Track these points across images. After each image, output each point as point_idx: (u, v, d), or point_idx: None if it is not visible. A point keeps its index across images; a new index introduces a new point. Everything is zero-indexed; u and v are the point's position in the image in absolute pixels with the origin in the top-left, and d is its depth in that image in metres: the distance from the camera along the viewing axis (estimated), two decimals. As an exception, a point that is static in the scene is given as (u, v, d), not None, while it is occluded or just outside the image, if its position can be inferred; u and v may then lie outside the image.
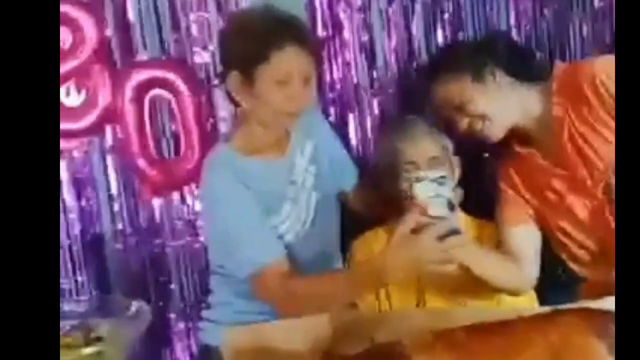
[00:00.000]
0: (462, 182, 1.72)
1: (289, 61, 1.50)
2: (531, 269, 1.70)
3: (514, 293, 1.69)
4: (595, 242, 1.69)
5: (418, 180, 1.41)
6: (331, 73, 2.10)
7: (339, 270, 1.55)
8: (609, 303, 1.31)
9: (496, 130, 1.69)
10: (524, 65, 1.69)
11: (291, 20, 1.54)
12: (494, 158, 1.83)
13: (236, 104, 1.63)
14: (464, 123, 1.69)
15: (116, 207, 2.11)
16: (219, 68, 1.65)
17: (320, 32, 2.07)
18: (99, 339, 1.28)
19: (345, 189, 1.81)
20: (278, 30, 1.50)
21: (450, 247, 1.37)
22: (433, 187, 1.39)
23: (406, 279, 1.60)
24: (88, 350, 1.19)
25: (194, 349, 2.11)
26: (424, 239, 1.35)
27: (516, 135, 1.73)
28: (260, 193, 1.57)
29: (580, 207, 1.68)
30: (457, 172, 1.76)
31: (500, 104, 1.67)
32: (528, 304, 1.71)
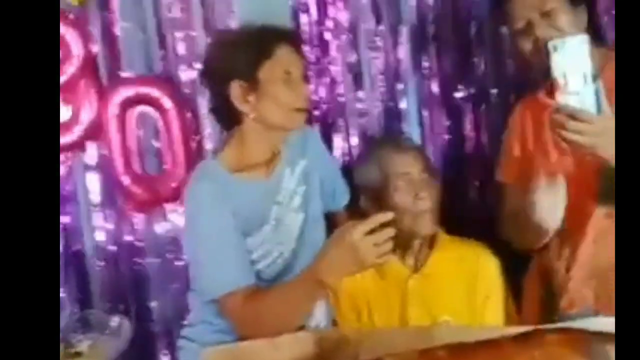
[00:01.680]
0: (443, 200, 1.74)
1: (289, 55, 1.57)
2: None
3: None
4: None
5: (555, 48, 1.33)
6: (317, 92, 2.11)
7: (287, 281, 1.56)
8: (590, 323, 1.33)
9: None
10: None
11: (280, 26, 1.62)
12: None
13: (226, 128, 1.65)
14: (542, 29, 1.60)
15: (98, 223, 2.10)
16: (209, 91, 1.66)
17: (308, 51, 2.08)
18: (78, 354, 1.26)
19: (335, 209, 1.81)
20: (273, 32, 1.58)
21: (383, 240, 1.34)
22: (572, 53, 1.31)
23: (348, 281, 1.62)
24: (68, 364, 1.17)
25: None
26: (354, 237, 1.34)
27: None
28: (242, 212, 1.56)
29: None
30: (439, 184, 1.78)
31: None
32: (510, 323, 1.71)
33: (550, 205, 1.57)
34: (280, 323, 1.48)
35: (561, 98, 1.35)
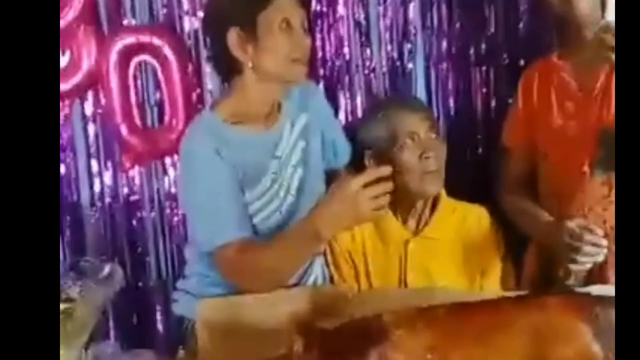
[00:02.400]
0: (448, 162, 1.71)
1: (289, 5, 1.54)
2: None
3: None
4: None
5: None
6: (324, 49, 2.06)
7: (282, 233, 1.55)
8: (593, 288, 1.30)
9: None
10: None
11: None
12: None
13: (226, 79, 1.62)
14: None
15: (95, 172, 2.06)
16: (210, 36, 1.63)
17: (315, 6, 2.02)
18: (69, 300, 1.24)
19: (337, 166, 1.78)
20: None
21: (381, 194, 1.33)
22: None
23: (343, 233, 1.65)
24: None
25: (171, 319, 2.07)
26: (352, 188, 1.33)
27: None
28: (239, 165, 1.54)
29: None
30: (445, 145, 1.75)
31: None
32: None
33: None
34: (276, 275, 1.47)
35: (611, 15, 1.35)
